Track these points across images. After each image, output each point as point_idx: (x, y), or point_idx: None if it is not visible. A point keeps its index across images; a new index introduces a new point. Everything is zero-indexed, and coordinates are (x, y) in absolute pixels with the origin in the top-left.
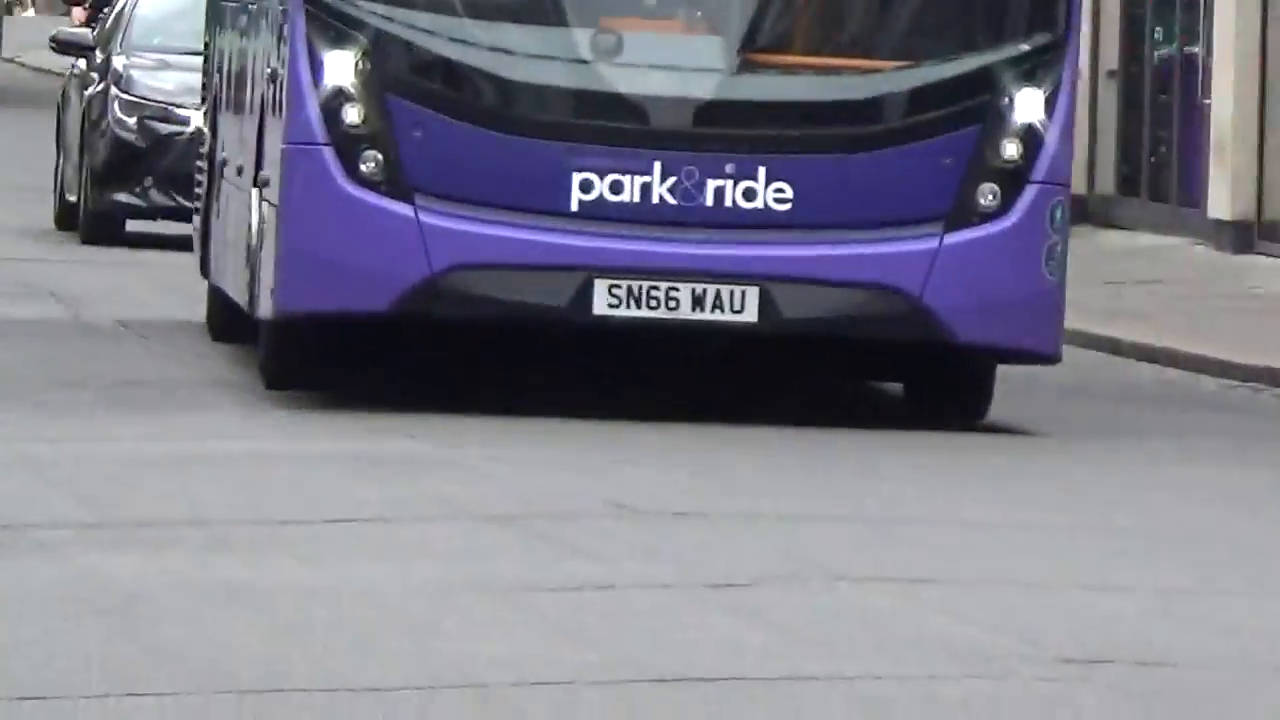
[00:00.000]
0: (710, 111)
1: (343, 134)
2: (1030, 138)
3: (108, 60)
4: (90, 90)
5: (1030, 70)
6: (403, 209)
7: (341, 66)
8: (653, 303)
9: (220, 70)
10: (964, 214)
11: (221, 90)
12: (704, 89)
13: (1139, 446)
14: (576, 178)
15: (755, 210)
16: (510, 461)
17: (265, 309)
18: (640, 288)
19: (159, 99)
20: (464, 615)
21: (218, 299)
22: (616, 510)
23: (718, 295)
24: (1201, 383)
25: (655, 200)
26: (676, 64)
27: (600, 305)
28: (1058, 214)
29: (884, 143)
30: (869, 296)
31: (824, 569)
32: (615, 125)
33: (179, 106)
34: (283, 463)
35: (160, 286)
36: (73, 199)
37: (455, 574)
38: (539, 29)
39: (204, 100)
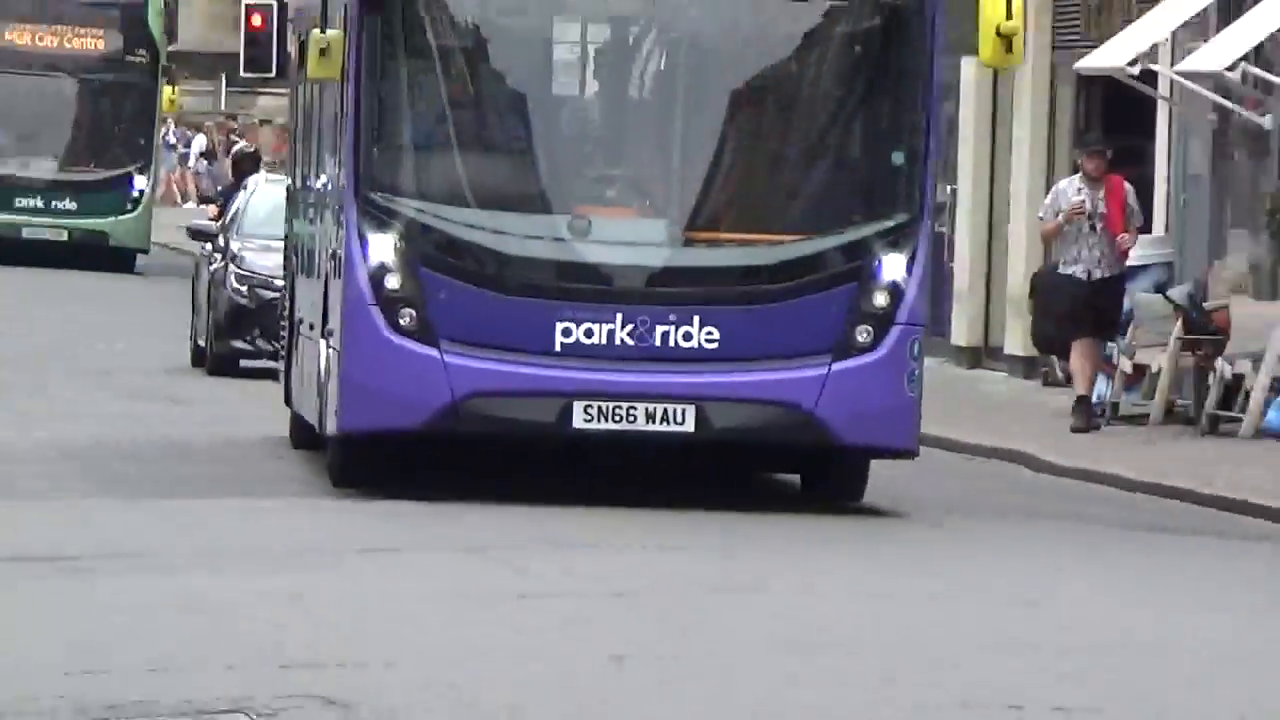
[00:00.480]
0: (657, 276)
1: (385, 297)
2: (895, 291)
3: (227, 244)
4: (214, 266)
5: (895, 240)
6: (431, 352)
7: (384, 246)
8: (616, 418)
9: (297, 251)
10: (846, 348)
11: (298, 266)
12: (652, 259)
13: (916, 503)
14: (559, 326)
15: (691, 348)
16: (483, 514)
17: (331, 427)
18: (608, 407)
19: (263, 273)
20: (451, 612)
21: (297, 420)
22: (552, 543)
23: (664, 412)
24: (950, 457)
25: (618, 342)
26: (631, 240)
27: (578, 421)
28: (915, 347)
29: (786, 297)
30: (776, 411)
31: (687, 580)
32: (587, 287)
33: (277, 279)
34: (331, 513)
35: (260, 407)
36: (202, 344)
37: (443, 586)
38: (529, 215)
39: (285, 273)
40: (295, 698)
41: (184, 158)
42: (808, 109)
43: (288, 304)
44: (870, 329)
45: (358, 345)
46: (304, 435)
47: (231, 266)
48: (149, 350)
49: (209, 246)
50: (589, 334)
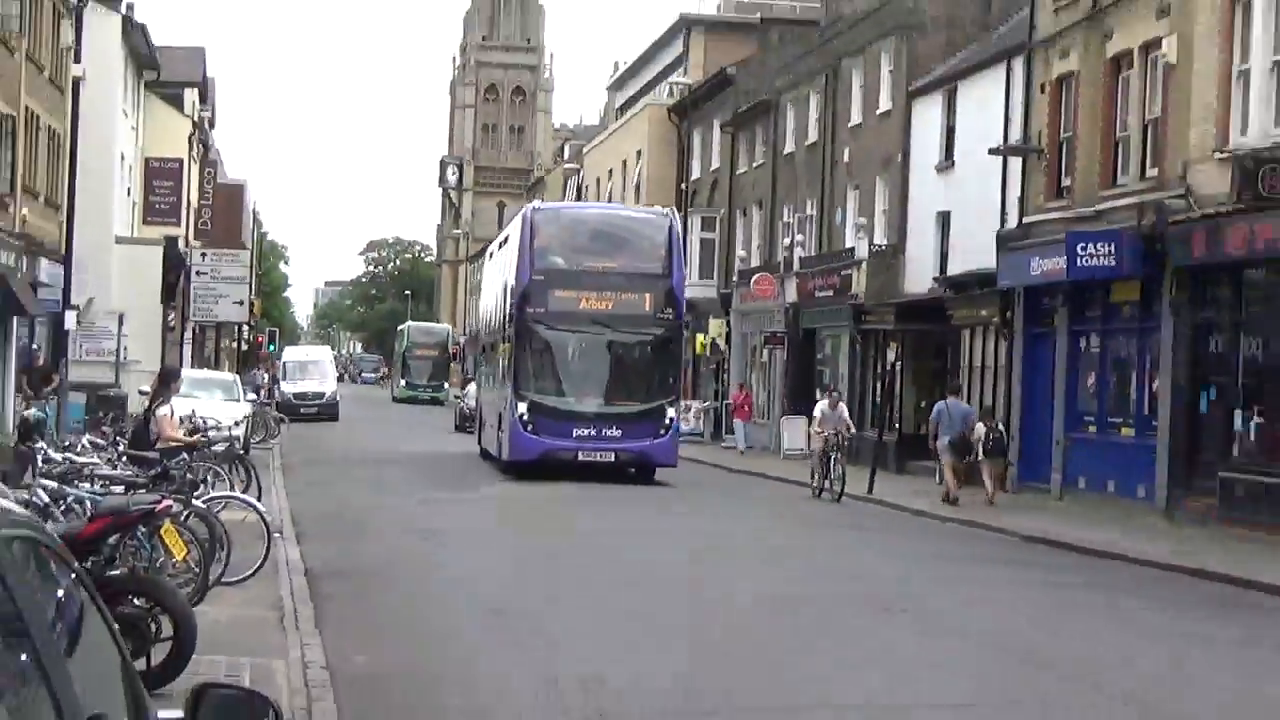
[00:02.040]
0: (601, 415)
1: (522, 421)
2: (671, 418)
3: (464, 398)
4: (460, 403)
5: (671, 403)
6: (536, 438)
7: (522, 406)
8: (591, 457)
9: (482, 400)
10: (657, 435)
11: (483, 403)
12: (599, 410)
13: (673, 479)
14: (574, 429)
15: (612, 435)
16: (533, 490)
17: (505, 457)
18: (589, 454)
19: (473, 404)
20: (541, 504)
21: (485, 451)
22: (571, 493)
23: (604, 455)
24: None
25: (589, 435)
26: (593, 404)
27: (580, 458)
28: (677, 435)
29: (640, 422)
30: (636, 455)
31: (615, 499)
32: (581, 418)
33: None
34: (501, 478)
35: (470, 444)
36: (456, 425)
37: (538, 496)
38: (564, 397)
39: (476, 403)
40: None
41: None
42: (645, 365)
43: (478, 415)
44: (664, 429)
45: (512, 434)
46: (486, 456)
47: (463, 403)
48: (435, 425)
49: (459, 399)
50: (582, 432)
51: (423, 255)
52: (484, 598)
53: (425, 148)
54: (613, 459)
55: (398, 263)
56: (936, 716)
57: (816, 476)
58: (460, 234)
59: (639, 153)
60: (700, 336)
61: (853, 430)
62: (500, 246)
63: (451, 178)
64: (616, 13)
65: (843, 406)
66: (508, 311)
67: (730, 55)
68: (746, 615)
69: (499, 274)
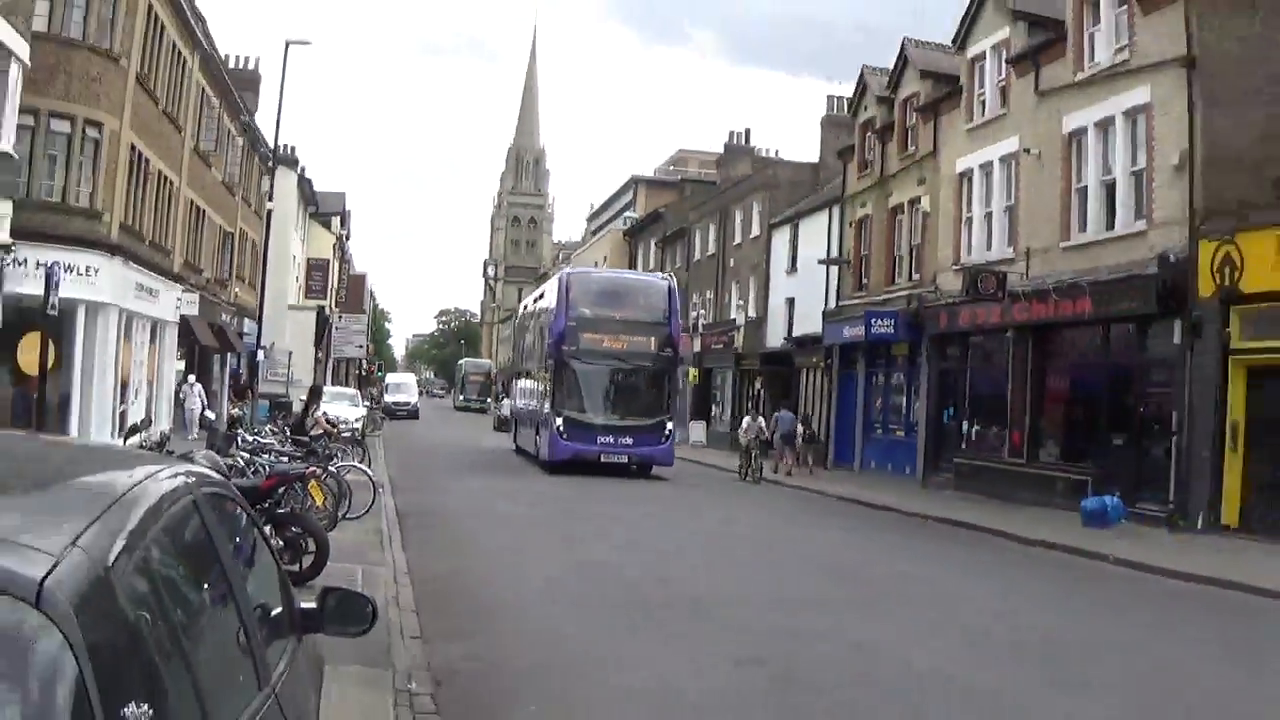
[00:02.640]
0: (615, 427)
1: (560, 429)
2: (670, 430)
3: (500, 407)
4: (497, 411)
5: (670, 418)
6: (569, 443)
7: (559, 420)
8: (611, 458)
9: (517, 409)
10: (660, 443)
11: (518, 411)
12: (616, 423)
13: (671, 476)
14: (598, 437)
15: (626, 443)
16: (568, 480)
17: (544, 457)
18: (610, 456)
19: (507, 412)
20: (572, 490)
21: (521, 449)
22: (594, 484)
23: (619, 457)
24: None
25: (611, 442)
26: (613, 419)
27: (603, 459)
28: (673, 441)
29: (646, 432)
30: (645, 458)
31: (628, 490)
32: (601, 430)
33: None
34: (543, 473)
35: (507, 441)
36: (495, 426)
37: (570, 489)
38: (588, 414)
39: (509, 412)
40: (533, 501)
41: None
42: (650, 390)
43: (513, 421)
44: (664, 438)
45: (550, 441)
46: (520, 453)
47: (498, 412)
48: (481, 426)
49: (495, 407)
50: (604, 439)
51: (472, 319)
52: (515, 529)
53: (474, 252)
54: (625, 460)
55: (457, 323)
56: (766, 606)
57: (742, 466)
58: (495, 307)
59: (605, 258)
60: (692, 371)
61: (766, 435)
62: (535, 301)
63: (490, 272)
64: (593, 174)
65: (761, 420)
66: (546, 349)
67: (661, 200)
68: (682, 547)
69: (536, 322)
